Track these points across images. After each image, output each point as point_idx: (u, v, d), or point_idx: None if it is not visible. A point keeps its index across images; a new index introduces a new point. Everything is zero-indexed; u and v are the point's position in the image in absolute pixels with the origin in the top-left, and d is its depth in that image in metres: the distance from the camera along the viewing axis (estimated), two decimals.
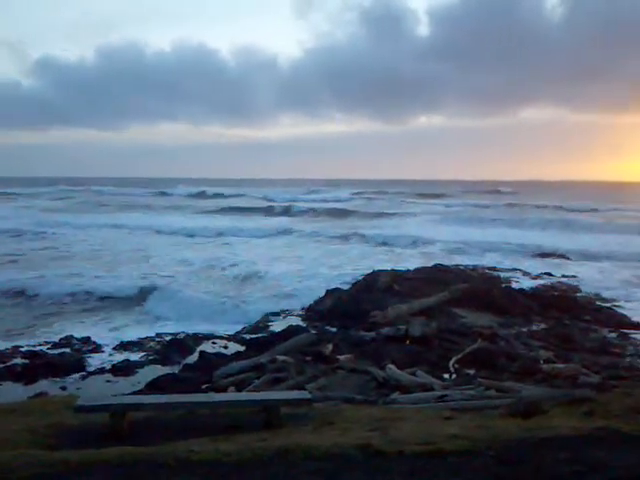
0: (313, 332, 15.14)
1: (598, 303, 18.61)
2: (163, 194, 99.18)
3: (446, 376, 11.93)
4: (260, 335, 15.41)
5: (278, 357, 12.82)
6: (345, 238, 37.63)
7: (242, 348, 14.25)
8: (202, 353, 13.72)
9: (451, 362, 12.56)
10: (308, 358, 13.08)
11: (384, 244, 34.60)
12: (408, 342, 14.01)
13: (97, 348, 14.63)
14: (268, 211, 64.48)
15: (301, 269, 24.45)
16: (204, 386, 11.38)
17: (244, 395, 8.54)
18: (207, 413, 6.15)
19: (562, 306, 17.68)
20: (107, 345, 14.85)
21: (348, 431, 5.11)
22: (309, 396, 6.21)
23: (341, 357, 12.78)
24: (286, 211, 64.16)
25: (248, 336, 15.47)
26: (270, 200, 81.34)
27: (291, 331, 14.82)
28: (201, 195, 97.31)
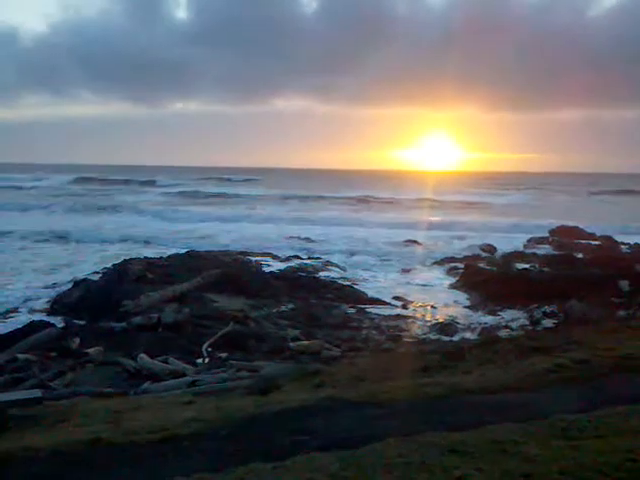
0: (59, 326, 14.36)
1: (340, 282, 20.15)
2: None
3: (199, 361, 12.10)
4: None
5: (18, 356, 11.99)
6: None
7: None
8: None
9: (204, 347, 12.76)
10: (53, 354, 12.42)
11: None
12: (160, 330, 13.93)
13: None
14: None
15: None
16: None
17: None
18: None
19: (308, 286, 18.87)
20: None
21: (81, 427, 4.97)
22: (39, 394, 5.91)
23: (90, 350, 12.33)
24: None
25: None
26: None
27: (33, 327, 13.84)
28: None
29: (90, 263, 23.56)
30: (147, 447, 4.35)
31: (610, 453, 4.03)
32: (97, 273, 20.12)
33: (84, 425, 5.04)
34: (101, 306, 16.05)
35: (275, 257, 25.16)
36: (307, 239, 31.50)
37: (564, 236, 32.30)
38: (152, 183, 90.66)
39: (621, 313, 15.80)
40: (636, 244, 28.78)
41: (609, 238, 31.30)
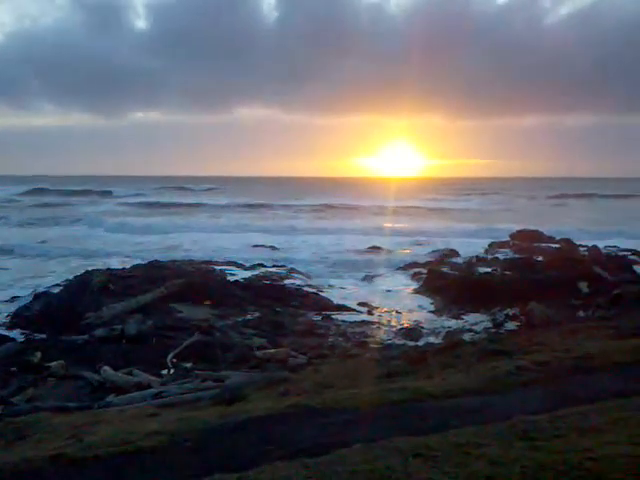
0: (19, 340, 14.09)
1: (305, 289, 20.16)
2: None
3: (164, 372, 11.99)
4: None
5: None
6: None
7: None
8: None
9: (169, 357, 12.63)
10: (14, 369, 12.17)
11: None
12: (124, 341, 13.76)
13: None
14: None
15: None
16: None
17: None
18: None
19: (274, 294, 18.82)
20: None
21: (42, 443, 4.88)
22: None
23: (52, 364, 12.12)
24: None
25: None
26: None
27: None
28: None
29: (50, 276, 23.11)
30: (111, 461, 4.30)
31: (570, 452, 4.11)
32: (58, 285, 19.75)
33: (45, 441, 4.95)
34: (63, 319, 15.76)
35: (239, 266, 25.01)
36: (272, 247, 31.50)
37: (524, 240, 32.84)
38: (110, 194, 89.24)
39: (580, 314, 16.11)
40: (594, 246, 29.39)
41: (568, 241, 31.93)
